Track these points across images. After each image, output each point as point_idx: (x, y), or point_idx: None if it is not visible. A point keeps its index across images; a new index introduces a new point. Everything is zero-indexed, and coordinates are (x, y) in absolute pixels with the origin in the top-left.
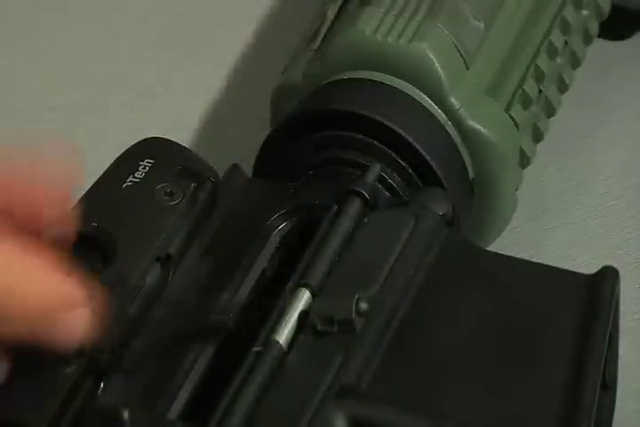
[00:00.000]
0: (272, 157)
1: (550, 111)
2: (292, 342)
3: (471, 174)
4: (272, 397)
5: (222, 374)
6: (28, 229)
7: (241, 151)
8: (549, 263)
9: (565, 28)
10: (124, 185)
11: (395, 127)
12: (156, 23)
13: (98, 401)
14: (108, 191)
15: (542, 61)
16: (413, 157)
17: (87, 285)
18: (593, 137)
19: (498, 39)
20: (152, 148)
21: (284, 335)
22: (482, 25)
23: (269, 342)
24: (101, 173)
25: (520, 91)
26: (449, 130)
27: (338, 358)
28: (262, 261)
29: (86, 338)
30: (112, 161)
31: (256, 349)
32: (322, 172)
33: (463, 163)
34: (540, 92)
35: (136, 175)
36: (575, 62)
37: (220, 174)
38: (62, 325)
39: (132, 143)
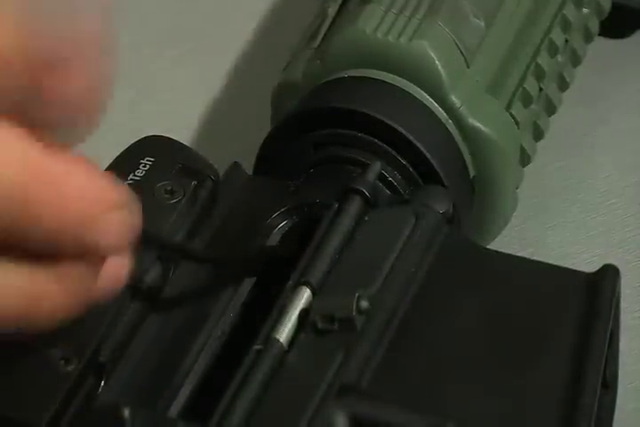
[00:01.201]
0: (273, 155)
1: (551, 109)
2: (293, 340)
3: (472, 173)
4: (272, 395)
5: (223, 373)
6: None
7: (242, 149)
8: (550, 262)
9: (566, 27)
10: (125, 183)
11: (395, 125)
12: (157, 21)
13: (98, 399)
14: None
15: (543, 59)
16: (414, 155)
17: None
18: (593, 135)
19: (498, 37)
20: (152, 146)
21: (284, 334)
22: (482, 23)
23: (270, 340)
24: None
25: (521, 89)
26: (449, 128)
27: (338, 356)
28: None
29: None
30: (112, 160)
31: (256, 347)
32: (322, 170)
33: (464, 161)
34: (541, 90)
35: (136, 173)
36: (576, 60)
37: (221, 173)
38: (102, 228)
39: (133, 142)
